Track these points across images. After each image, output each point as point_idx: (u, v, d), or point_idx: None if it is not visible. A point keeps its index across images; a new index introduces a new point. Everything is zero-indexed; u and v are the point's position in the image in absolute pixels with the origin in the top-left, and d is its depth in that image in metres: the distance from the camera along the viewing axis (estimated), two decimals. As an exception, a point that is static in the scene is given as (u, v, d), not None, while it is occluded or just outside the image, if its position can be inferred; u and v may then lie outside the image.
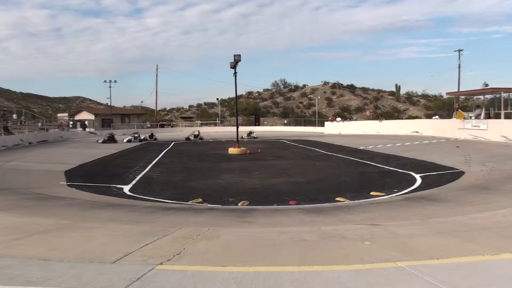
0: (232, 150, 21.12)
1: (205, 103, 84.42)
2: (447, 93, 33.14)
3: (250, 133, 37.21)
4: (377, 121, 36.62)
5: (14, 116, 31.17)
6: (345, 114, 60.69)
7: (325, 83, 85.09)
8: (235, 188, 11.06)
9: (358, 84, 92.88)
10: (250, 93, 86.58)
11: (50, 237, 5.06)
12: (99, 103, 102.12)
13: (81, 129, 41.76)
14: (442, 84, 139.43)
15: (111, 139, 30.34)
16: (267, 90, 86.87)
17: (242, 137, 36.10)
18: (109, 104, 50.29)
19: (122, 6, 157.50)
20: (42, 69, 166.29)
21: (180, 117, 69.57)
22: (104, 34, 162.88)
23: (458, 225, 5.58)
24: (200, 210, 8.25)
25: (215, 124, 57.20)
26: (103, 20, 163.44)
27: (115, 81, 50.03)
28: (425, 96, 76.52)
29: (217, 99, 63.09)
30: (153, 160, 18.39)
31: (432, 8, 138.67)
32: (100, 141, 29.83)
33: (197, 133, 35.21)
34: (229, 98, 73.76)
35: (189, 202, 9.03)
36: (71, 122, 44.95)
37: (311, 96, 76.75)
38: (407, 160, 15.65)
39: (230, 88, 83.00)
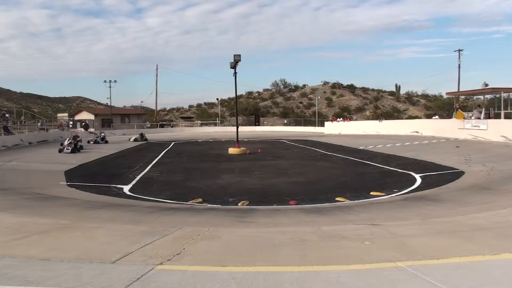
0: (232, 150, 21.12)
1: (205, 103, 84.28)
2: (447, 93, 33.12)
3: (142, 135, 33.52)
4: (377, 121, 36.61)
5: (7, 115, 30.83)
6: (345, 114, 60.62)
7: (325, 83, 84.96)
8: (235, 188, 11.06)
9: (358, 84, 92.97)
10: (250, 93, 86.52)
11: (50, 237, 5.06)
12: (99, 103, 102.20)
13: (81, 129, 41.72)
14: (442, 84, 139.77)
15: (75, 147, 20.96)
16: (267, 90, 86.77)
17: (135, 140, 31.86)
18: (109, 104, 50.32)
19: (123, 6, 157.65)
20: (42, 69, 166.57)
21: (180, 117, 69.46)
22: (105, 34, 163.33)
23: (458, 225, 5.58)
24: (200, 210, 8.25)
25: (215, 124, 57.17)
26: (103, 20, 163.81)
27: (115, 81, 50.12)
28: (425, 96, 76.39)
29: (217, 99, 63.07)
30: (153, 160, 18.39)
31: (432, 8, 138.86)
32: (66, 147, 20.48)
33: (103, 135, 30.50)
34: (229, 98, 73.70)
35: (189, 202, 9.03)
36: (71, 122, 44.95)
37: (311, 96, 76.66)
38: (407, 160, 15.65)
39: (230, 88, 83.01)
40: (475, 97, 37.18)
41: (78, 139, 22.96)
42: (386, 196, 9.35)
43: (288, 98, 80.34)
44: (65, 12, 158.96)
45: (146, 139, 31.92)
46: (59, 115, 55.36)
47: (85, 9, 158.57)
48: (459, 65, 42.42)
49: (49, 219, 6.38)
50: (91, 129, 42.23)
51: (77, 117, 48.20)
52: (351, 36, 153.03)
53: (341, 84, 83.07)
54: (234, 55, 20.70)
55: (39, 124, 34.89)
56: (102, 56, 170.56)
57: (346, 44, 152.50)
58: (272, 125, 57.87)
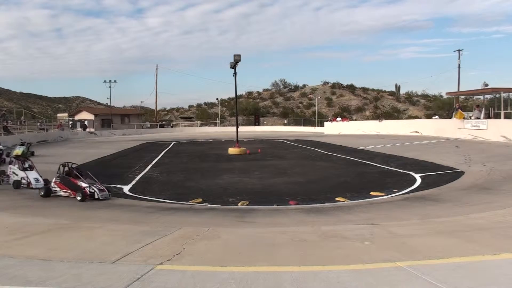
0: (232, 150, 21.13)
1: (205, 103, 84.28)
2: (447, 93, 33.12)
3: (28, 147, 16.46)
4: (377, 121, 36.62)
5: (7, 115, 30.59)
6: (345, 114, 60.65)
7: (325, 83, 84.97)
8: (235, 188, 11.06)
9: (358, 84, 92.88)
10: (250, 93, 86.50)
11: (50, 237, 5.07)
12: (99, 103, 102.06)
13: (81, 129, 41.70)
14: (442, 84, 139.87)
15: None
16: (267, 90, 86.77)
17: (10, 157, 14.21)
18: (109, 104, 50.33)
19: (123, 6, 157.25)
20: (42, 69, 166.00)
21: (180, 117, 69.45)
22: (105, 34, 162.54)
23: (458, 225, 5.58)
24: (200, 210, 8.25)
25: (215, 124, 57.15)
26: (104, 20, 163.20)
27: (115, 81, 49.95)
28: (425, 96, 76.45)
29: (217, 99, 63.04)
30: (153, 160, 18.38)
31: (432, 8, 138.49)
32: None
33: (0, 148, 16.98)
34: (229, 98, 73.68)
35: (189, 202, 9.03)
36: (70, 122, 44.94)
37: (311, 96, 76.66)
38: (407, 160, 15.65)
39: (230, 88, 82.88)
40: (475, 97, 37.19)
41: None
42: (386, 196, 9.35)
43: (288, 98, 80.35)
44: (65, 12, 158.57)
45: (32, 153, 18.26)
46: (59, 115, 55.32)
47: (85, 9, 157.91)
48: (459, 65, 42.43)
49: (49, 219, 6.38)
50: (91, 129, 42.24)
51: (77, 117, 48.15)
52: (351, 36, 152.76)
53: (341, 84, 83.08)
54: (234, 55, 20.70)
55: (38, 124, 34.86)
56: (103, 56, 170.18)
57: (346, 44, 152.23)
58: (272, 125, 57.88)
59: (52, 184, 9.61)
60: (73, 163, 10.07)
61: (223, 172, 14.04)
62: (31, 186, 10.23)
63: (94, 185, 9.21)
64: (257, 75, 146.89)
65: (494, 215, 6.18)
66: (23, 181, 10.41)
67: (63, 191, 9.36)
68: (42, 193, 9.39)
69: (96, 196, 8.94)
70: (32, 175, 10.57)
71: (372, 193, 9.67)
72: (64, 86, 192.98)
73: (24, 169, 10.74)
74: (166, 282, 3.17)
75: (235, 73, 21.40)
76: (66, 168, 9.85)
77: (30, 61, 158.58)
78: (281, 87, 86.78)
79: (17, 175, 10.63)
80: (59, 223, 6.00)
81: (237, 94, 23.78)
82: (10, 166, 11.13)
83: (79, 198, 8.90)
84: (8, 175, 10.90)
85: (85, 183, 9.22)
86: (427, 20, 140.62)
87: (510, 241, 4.41)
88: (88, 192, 8.95)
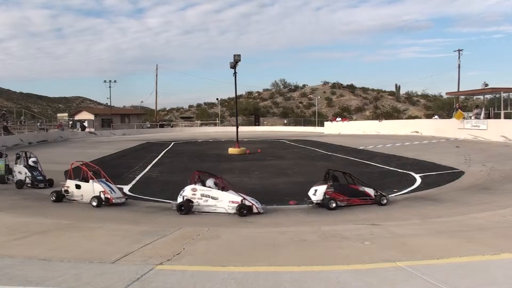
0: (232, 150, 21.13)
1: (205, 103, 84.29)
2: (447, 93, 33.11)
3: (4, 157, 12.28)
4: (377, 121, 36.62)
5: (7, 114, 30.52)
6: (345, 114, 60.62)
7: (325, 83, 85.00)
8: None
9: (358, 84, 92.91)
10: (250, 93, 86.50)
11: (50, 237, 5.07)
12: (99, 103, 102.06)
13: (80, 129, 41.65)
14: (442, 84, 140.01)
15: None
16: (267, 90, 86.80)
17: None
18: (109, 104, 50.34)
19: (124, 6, 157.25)
20: (42, 69, 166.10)
21: (180, 117, 69.46)
22: (105, 34, 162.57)
23: (458, 225, 5.59)
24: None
25: (215, 124, 57.16)
26: (104, 20, 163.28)
27: (115, 81, 49.99)
28: (425, 96, 76.44)
29: (217, 99, 63.05)
30: (153, 160, 18.37)
31: (432, 8, 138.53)
32: None
33: None
34: (229, 98, 73.68)
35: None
36: (70, 122, 44.92)
37: (311, 96, 76.70)
38: (407, 160, 15.64)
39: (230, 88, 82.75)
40: (475, 97, 37.19)
41: None
42: (386, 196, 9.34)
43: (288, 98, 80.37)
44: (65, 12, 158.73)
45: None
46: (59, 115, 55.33)
47: (86, 9, 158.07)
48: (459, 65, 42.44)
49: (49, 219, 6.38)
50: (91, 129, 42.21)
51: (77, 117, 48.11)
52: (351, 36, 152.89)
53: (341, 84, 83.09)
54: (234, 55, 20.70)
55: (38, 124, 34.82)
56: (103, 56, 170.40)
57: (346, 44, 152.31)
58: (272, 125, 57.85)
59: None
60: (333, 169, 8.91)
61: (223, 172, 14.00)
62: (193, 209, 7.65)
63: (368, 187, 8.43)
64: (257, 75, 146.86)
65: (494, 215, 6.18)
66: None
67: (338, 201, 8.11)
68: (332, 206, 7.94)
69: (383, 202, 8.18)
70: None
71: (372, 193, 9.65)
72: (64, 86, 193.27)
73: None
74: (166, 282, 3.17)
75: (235, 73, 21.42)
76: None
77: (30, 61, 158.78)
78: (281, 87, 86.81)
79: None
80: (59, 223, 6.00)
81: (237, 94, 23.80)
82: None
83: (384, 201, 8.13)
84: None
85: (368, 187, 8.48)
86: (427, 20, 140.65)
87: (510, 241, 4.41)
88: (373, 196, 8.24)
